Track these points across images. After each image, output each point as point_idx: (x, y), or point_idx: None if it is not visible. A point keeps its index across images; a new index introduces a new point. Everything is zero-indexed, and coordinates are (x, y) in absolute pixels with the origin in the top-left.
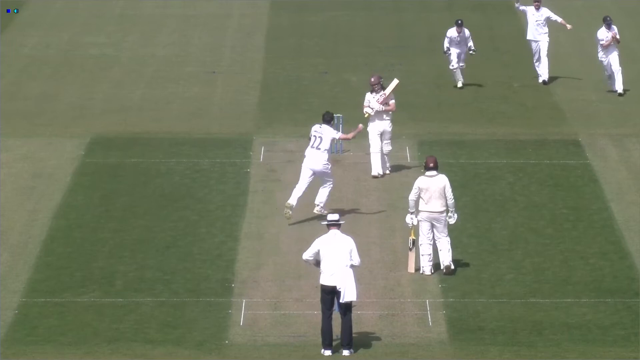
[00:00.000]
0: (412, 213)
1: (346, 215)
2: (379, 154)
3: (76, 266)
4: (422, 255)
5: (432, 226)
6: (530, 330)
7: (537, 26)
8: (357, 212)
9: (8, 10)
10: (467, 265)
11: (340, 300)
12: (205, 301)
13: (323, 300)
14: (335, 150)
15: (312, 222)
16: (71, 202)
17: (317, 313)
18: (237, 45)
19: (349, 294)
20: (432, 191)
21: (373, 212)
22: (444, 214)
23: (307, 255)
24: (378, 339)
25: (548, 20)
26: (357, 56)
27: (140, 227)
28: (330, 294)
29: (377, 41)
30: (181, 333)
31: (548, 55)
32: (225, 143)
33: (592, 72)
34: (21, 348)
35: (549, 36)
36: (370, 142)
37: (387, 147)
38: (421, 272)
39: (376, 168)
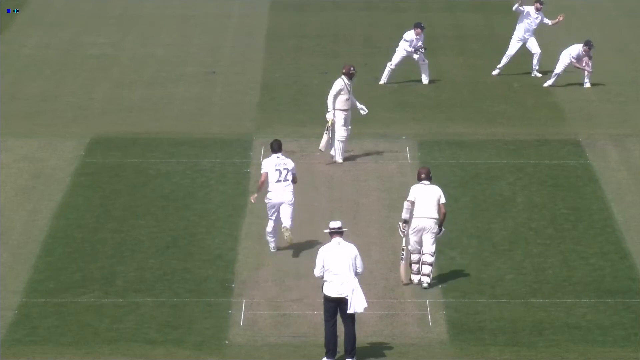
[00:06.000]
0: None
1: (346, 215)
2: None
3: (76, 266)
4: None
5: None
6: (530, 330)
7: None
8: (357, 212)
9: (8, 10)
10: (467, 265)
11: (350, 311)
12: (205, 301)
13: (327, 309)
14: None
15: (312, 222)
16: (71, 202)
17: (317, 313)
18: (237, 45)
19: (358, 304)
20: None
21: (373, 212)
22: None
23: (318, 271)
24: (378, 339)
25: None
26: (357, 56)
27: (140, 227)
28: (336, 302)
29: (377, 41)
30: (181, 333)
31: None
32: (225, 143)
33: (592, 72)
34: (21, 348)
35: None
36: (336, 131)
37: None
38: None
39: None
